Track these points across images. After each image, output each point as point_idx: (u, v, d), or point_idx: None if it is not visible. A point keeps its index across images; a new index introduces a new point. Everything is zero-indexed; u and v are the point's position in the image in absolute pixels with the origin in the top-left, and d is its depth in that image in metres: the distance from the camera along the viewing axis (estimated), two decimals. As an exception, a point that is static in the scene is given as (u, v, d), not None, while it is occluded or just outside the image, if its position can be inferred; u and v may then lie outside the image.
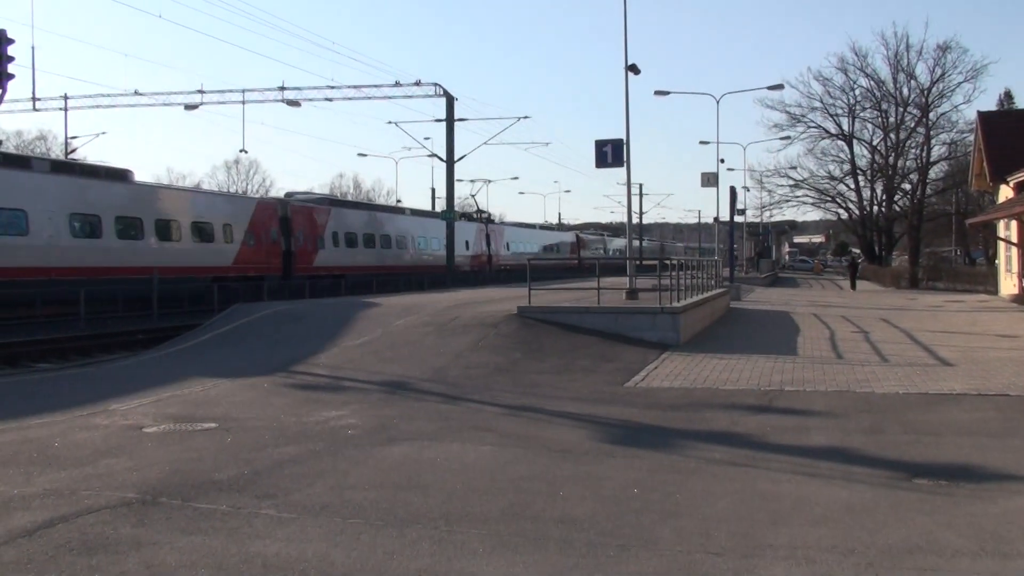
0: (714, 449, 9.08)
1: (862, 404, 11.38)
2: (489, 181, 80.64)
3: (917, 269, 52.44)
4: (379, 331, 17.54)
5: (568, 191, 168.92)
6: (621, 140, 22.90)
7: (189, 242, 33.32)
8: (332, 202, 45.46)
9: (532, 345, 16.07)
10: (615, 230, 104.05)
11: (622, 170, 22.89)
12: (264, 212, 37.98)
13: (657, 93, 42.31)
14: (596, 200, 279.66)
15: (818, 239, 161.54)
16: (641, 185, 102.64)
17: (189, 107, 47.75)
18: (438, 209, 61.52)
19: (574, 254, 74.50)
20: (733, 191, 43.54)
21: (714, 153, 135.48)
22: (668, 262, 22.49)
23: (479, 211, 64.35)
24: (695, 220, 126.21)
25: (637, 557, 5.83)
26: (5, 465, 8.18)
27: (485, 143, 55.36)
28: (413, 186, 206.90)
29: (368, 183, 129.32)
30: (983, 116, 38.29)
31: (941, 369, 14.23)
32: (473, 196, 77.04)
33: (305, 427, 10.07)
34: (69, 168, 31.21)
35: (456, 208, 50.51)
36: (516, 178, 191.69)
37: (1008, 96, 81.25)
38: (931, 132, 60.48)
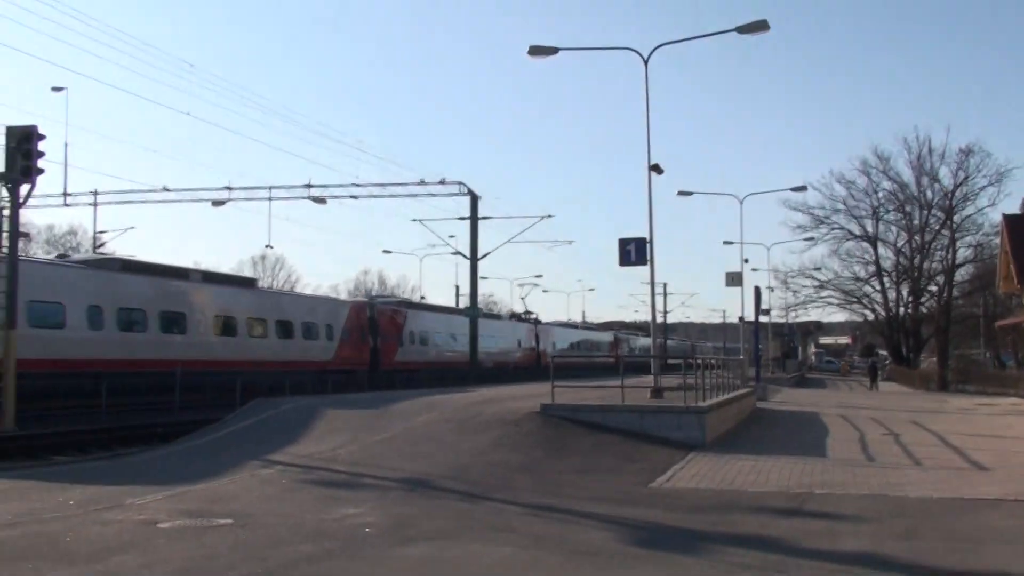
0: (743, 554, 8.76)
1: (895, 508, 11.01)
2: (536, 282, 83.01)
3: (946, 371, 51.73)
4: (400, 427, 17.33)
5: (592, 289, 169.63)
6: (644, 239, 22.90)
7: (300, 339, 37.94)
8: (409, 304, 52.19)
9: (555, 443, 15.81)
10: (641, 329, 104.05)
11: (645, 269, 22.89)
12: (355, 312, 43.06)
13: (680, 193, 42.56)
14: (620, 299, 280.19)
15: (844, 340, 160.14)
16: (665, 284, 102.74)
17: (216, 203, 48.26)
18: (461, 305, 63.60)
19: (613, 352, 75.59)
20: (758, 291, 43.42)
21: (738, 253, 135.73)
22: (693, 361, 22.24)
23: (527, 312, 72.36)
24: (719, 320, 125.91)
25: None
26: (17, 560, 7.99)
27: (509, 241, 55.41)
28: (438, 283, 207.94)
29: (393, 279, 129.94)
30: (1009, 220, 38.09)
31: (976, 474, 13.84)
32: (523, 298, 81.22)
33: (322, 524, 9.83)
34: (213, 278, 36.18)
35: (480, 306, 50.56)
36: (540, 276, 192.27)
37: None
38: (956, 234, 60.34)
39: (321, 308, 41.38)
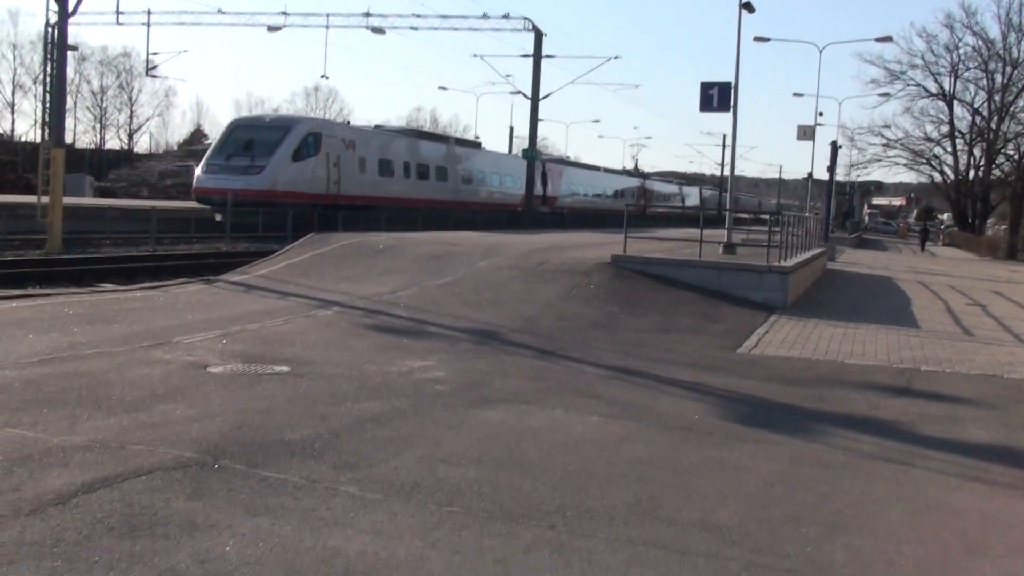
0: (859, 439, 7.75)
1: (1016, 393, 9.92)
2: (593, 127, 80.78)
3: (1017, 239, 49.57)
4: (462, 272, 16.36)
5: (649, 137, 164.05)
6: (729, 83, 21.27)
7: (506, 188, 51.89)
8: (564, 162, 67.34)
9: (629, 298, 14.78)
10: (692, 180, 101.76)
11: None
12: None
13: (757, 39, 40.06)
14: (678, 148, 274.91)
15: (898, 201, 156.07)
16: (724, 136, 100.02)
17: (272, 28, 46.63)
18: (515, 149, 62.30)
19: (640, 202, 72.97)
20: (835, 146, 41.50)
21: (806, 107, 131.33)
22: (770, 217, 21.01)
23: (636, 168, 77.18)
24: (775, 175, 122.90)
25: (816, 592, 4.58)
26: (51, 405, 7.14)
27: (572, 82, 53.40)
28: (492, 123, 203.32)
29: (445, 118, 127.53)
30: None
31: (1092, 356, 12.64)
32: (634, 157, 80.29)
33: (387, 378, 8.93)
34: (462, 142, 51.49)
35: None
36: (597, 121, 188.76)
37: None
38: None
39: (516, 164, 53.21)
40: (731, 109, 21.36)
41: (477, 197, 48.08)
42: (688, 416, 8.21)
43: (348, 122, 58.53)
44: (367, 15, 45.75)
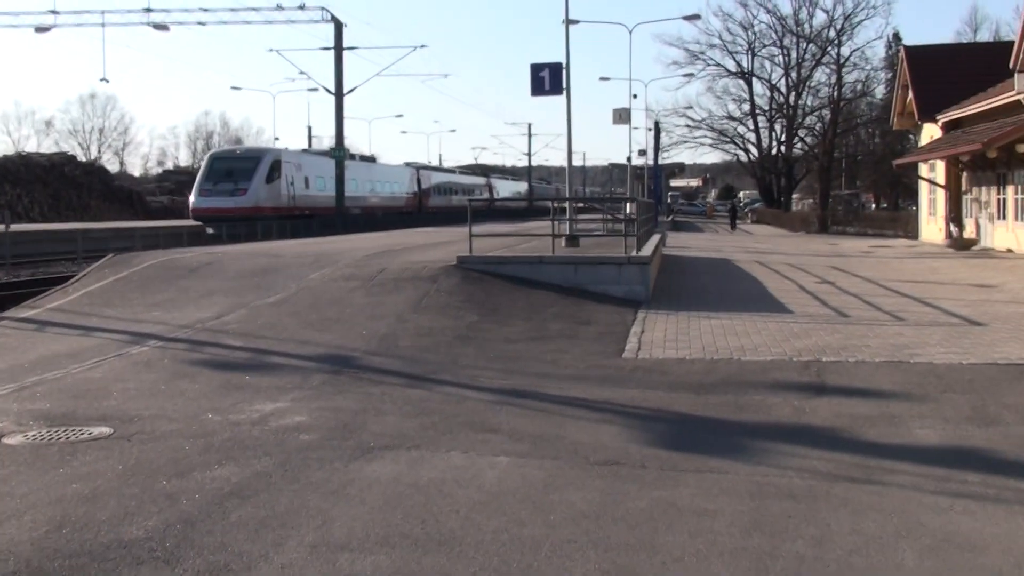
0: (807, 455, 6.82)
1: (934, 380, 9.29)
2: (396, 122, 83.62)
3: (827, 213, 51.43)
4: (293, 287, 14.76)
5: (453, 130, 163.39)
6: (560, 64, 20.51)
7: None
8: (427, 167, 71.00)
9: (486, 304, 13.59)
10: (489, 172, 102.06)
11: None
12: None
13: (569, 22, 39.59)
14: (480, 140, 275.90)
15: (695, 182, 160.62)
16: (530, 125, 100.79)
17: (40, 29, 42.89)
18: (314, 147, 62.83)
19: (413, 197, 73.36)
20: (658, 126, 41.51)
21: (611, 92, 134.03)
22: (612, 205, 20.34)
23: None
24: (579, 162, 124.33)
25: None
26: None
27: (378, 74, 51.92)
28: (291, 124, 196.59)
29: (236, 121, 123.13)
30: (910, 51, 36.98)
31: (976, 330, 12.31)
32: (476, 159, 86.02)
33: (238, 430, 7.39)
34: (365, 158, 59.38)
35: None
36: (401, 115, 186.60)
37: (896, 37, 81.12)
38: (843, 69, 59.32)
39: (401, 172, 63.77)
40: (564, 91, 20.57)
41: (377, 202, 56.63)
42: (607, 445, 7.08)
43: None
44: (148, 11, 42.73)
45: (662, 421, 7.93)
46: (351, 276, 15.34)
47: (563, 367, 10.22)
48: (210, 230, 40.56)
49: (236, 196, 41.82)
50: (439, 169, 79.52)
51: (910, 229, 40.53)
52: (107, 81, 51.24)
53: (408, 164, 70.77)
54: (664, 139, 68.86)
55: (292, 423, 7.63)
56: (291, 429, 7.44)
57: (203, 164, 46.99)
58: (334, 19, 42.97)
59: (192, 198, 43.75)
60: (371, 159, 63.53)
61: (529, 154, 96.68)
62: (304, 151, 53.85)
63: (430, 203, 66.99)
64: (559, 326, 12.55)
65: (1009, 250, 26.94)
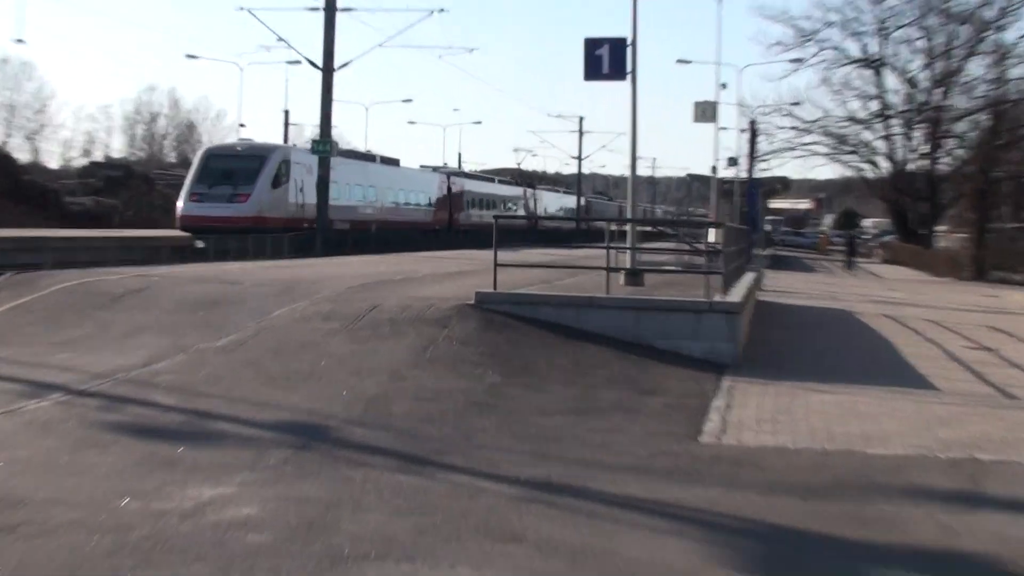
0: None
1: None
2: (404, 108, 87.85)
3: (984, 252, 50.70)
4: (252, 326, 14.74)
5: (478, 122, 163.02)
6: (624, 39, 20.50)
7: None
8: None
9: (512, 360, 13.57)
10: (534, 181, 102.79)
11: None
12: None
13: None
14: (519, 137, 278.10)
15: (804, 204, 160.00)
16: (581, 119, 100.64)
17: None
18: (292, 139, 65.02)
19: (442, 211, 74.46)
20: (753, 127, 41.47)
21: (692, 80, 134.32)
22: (674, 231, 20.35)
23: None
24: (647, 171, 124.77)
25: None
26: None
27: (380, 45, 52.34)
28: (264, 104, 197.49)
29: (191, 100, 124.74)
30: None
31: None
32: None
33: (163, 524, 7.21)
34: (387, 160, 63.09)
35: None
36: (409, 100, 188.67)
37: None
38: (1007, 60, 58.97)
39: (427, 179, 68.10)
40: (628, 75, 20.55)
41: (399, 216, 60.18)
42: (675, 566, 6.89)
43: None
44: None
45: (753, 536, 7.74)
46: (330, 314, 15.30)
47: (617, 453, 10.08)
48: (199, 244, 42.20)
49: (235, 203, 44.29)
50: (475, 176, 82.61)
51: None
52: (22, 42, 52.24)
53: (436, 169, 73.25)
54: (763, 145, 68.97)
55: (238, 517, 7.46)
56: (236, 526, 7.26)
57: (196, 162, 49.11)
58: (324, -30, 43.45)
59: (180, 204, 46.10)
60: (394, 162, 65.69)
61: (580, 157, 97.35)
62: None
63: (462, 219, 69.73)
64: (613, 395, 12.49)
65: None
